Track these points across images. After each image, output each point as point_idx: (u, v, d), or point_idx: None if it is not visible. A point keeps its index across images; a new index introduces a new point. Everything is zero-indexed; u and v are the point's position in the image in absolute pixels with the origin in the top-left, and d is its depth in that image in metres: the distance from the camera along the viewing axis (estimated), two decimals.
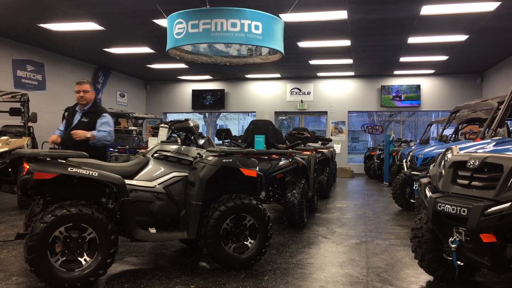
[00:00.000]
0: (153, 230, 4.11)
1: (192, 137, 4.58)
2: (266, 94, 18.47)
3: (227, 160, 4.22)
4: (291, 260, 4.72)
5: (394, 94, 17.08)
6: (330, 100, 17.83)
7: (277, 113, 18.72)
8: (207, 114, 20.44)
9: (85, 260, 3.71)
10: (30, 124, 8.94)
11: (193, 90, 18.97)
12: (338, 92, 17.80)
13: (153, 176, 4.30)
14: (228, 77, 18.50)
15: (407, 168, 8.13)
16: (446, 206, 3.32)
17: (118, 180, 3.86)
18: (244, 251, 4.29)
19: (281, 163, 6.36)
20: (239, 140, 8.77)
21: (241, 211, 4.24)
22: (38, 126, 11.83)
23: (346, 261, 4.73)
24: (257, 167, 4.38)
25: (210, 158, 4.29)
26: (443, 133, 9.17)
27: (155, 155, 4.41)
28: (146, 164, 4.36)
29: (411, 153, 8.27)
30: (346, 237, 5.94)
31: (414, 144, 11.75)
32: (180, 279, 3.99)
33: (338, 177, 14.97)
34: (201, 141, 4.70)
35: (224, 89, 18.74)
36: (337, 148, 15.99)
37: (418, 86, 16.89)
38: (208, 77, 18.35)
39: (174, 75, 17.88)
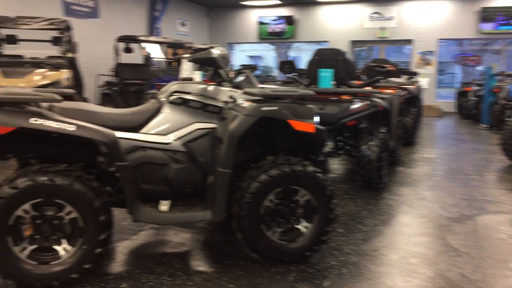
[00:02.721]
0: (164, 206, 2.90)
1: (225, 73, 3.18)
2: (340, 20, 16.28)
3: (269, 108, 2.81)
4: (364, 247, 3.35)
5: (497, 18, 14.20)
6: (417, 26, 15.31)
7: (353, 43, 16.55)
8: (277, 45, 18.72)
9: (64, 249, 2.61)
10: (70, 55, 7.98)
11: (259, 17, 17.23)
12: (427, 17, 15.18)
13: (168, 128, 3.03)
14: (298, 1, 16.45)
15: None
16: None
17: (107, 137, 2.63)
18: (295, 238, 2.99)
19: (353, 106, 4.83)
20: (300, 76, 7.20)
21: (291, 182, 2.89)
22: (90, 57, 11.01)
23: (446, 252, 3.27)
24: (316, 118, 2.93)
25: (245, 104, 2.91)
26: None
27: (172, 98, 3.10)
28: (158, 110, 3.08)
29: None
30: (441, 208, 4.40)
31: None
32: (201, 277, 2.80)
33: (424, 116, 12.93)
34: (239, 78, 3.32)
35: (293, 16, 16.80)
36: (424, 82, 13.75)
37: None
38: (276, 1, 16.44)
39: (238, 0, 16.20)
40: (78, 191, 2.52)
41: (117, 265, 2.96)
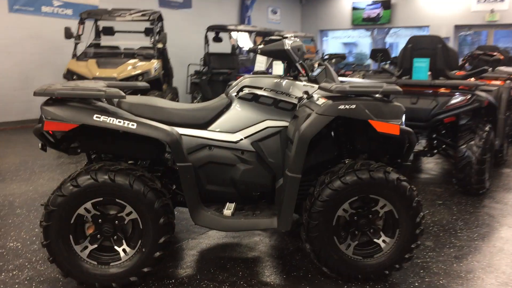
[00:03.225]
0: (229, 210, 2.71)
1: (300, 66, 2.87)
2: (443, 3, 14.94)
3: (346, 107, 2.47)
4: (456, 267, 2.88)
5: None
6: None
7: (458, 27, 15.12)
8: (375, 31, 17.77)
9: (124, 250, 2.53)
10: (160, 45, 8.15)
11: (353, 2, 16.44)
12: None
13: (236, 125, 2.82)
14: None
15: None
16: None
17: (169, 136, 2.48)
18: (372, 254, 2.64)
19: (453, 100, 4.26)
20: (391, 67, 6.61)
21: (370, 191, 2.53)
22: (182, 47, 11.25)
23: None
24: (402, 118, 2.53)
25: (320, 101, 2.59)
26: None
27: (241, 93, 2.88)
28: (227, 107, 2.88)
29: None
30: None
31: None
32: None
33: None
34: (316, 72, 2.98)
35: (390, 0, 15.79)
36: None
37: None
38: None
39: None
40: (138, 192, 2.41)
41: (179, 268, 2.84)
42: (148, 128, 2.45)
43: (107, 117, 2.41)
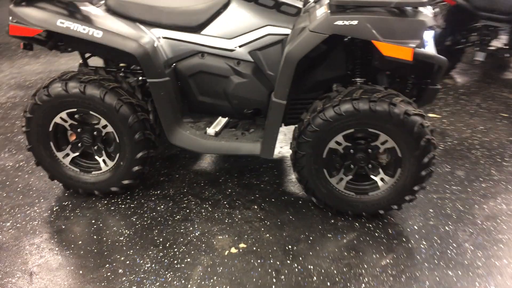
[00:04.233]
0: (213, 129, 2.48)
1: None
2: None
3: (345, 23, 1.96)
4: (477, 209, 2.50)
5: None
6: None
7: None
8: None
9: (104, 161, 2.48)
10: None
11: None
12: None
13: (233, 30, 2.42)
14: None
15: None
16: None
17: (137, 49, 2.19)
18: (367, 191, 2.34)
19: None
20: None
21: (369, 124, 2.14)
22: None
23: None
24: (422, 37, 1.98)
25: (320, 11, 2.09)
26: None
27: None
28: (224, 6, 2.45)
29: None
30: None
31: None
32: (241, 218, 2.44)
33: None
34: None
35: None
36: None
37: None
38: None
39: None
40: (110, 105, 2.24)
41: (169, 180, 2.77)
42: (114, 37, 2.17)
43: (71, 23, 2.16)
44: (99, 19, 2.26)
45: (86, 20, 2.20)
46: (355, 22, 1.96)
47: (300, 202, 2.54)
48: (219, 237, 2.24)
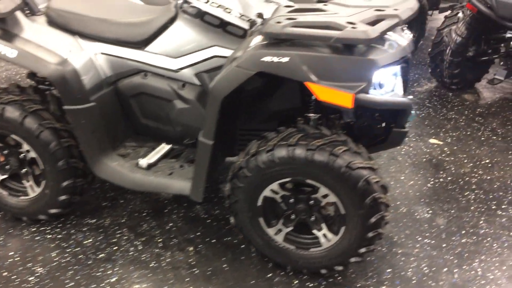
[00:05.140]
0: (146, 160, 2.22)
1: None
2: None
3: (274, 60, 1.64)
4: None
5: None
6: None
7: None
8: None
9: (31, 187, 2.30)
10: None
11: None
12: None
13: (179, 48, 2.13)
14: None
15: None
16: None
17: (53, 72, 1.95)
18: (308, 246, 2.03)
19: None
20: None
21: (307, 175, 1.83)
22: None
23: None
24: (368, 80, 1.65)
25: (257, 38, 1.79)
26: None
27: (185, 6, 2.13)
28: (171, 21, 2.18)
29: None
30: None
31: None
32: (169, 261, 2.20)
33: None
34: None
35: None
36: None
37: None
38: None
39: None
40: (29, 130, 2.04)
41: (100, 212, 2.56)
42: (28, 58, 1.95)
43: None
44: (23, 34, 2.05)
45: (6, 36, 1.99)
46: (285, 59, 1.64)
47: (243, 246, 2.26)
48: (135, 286, 2.01)
